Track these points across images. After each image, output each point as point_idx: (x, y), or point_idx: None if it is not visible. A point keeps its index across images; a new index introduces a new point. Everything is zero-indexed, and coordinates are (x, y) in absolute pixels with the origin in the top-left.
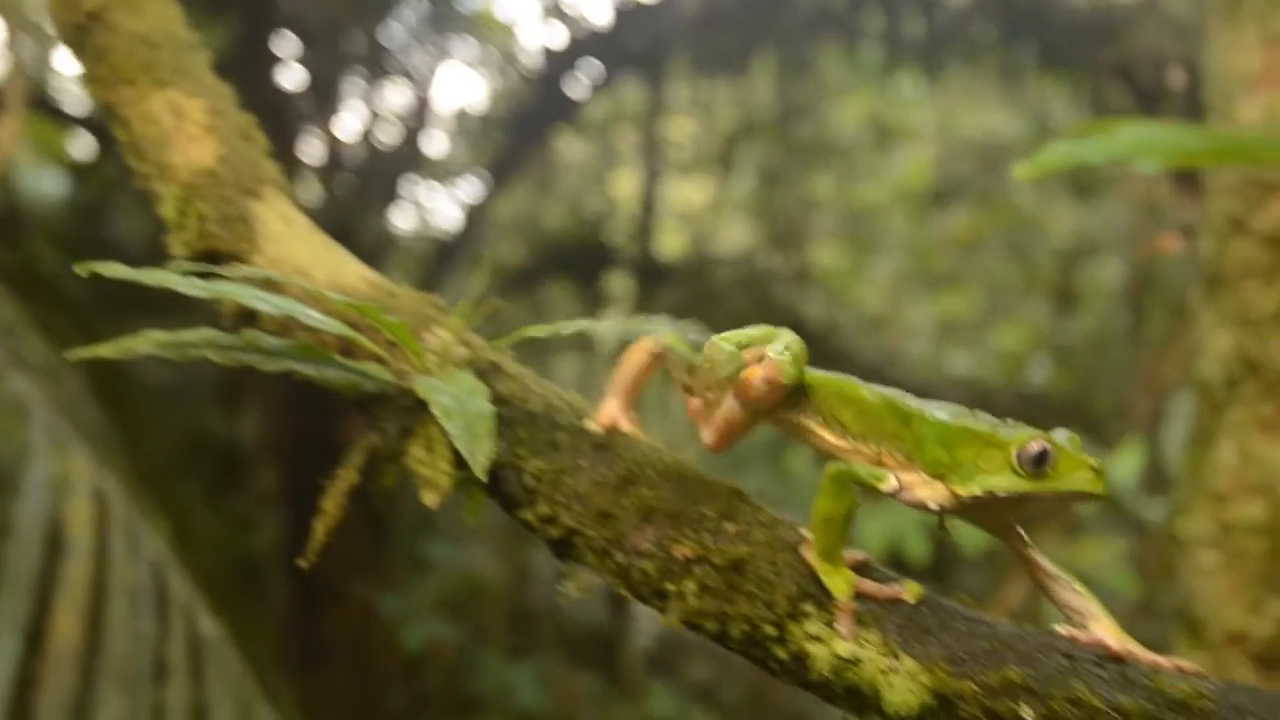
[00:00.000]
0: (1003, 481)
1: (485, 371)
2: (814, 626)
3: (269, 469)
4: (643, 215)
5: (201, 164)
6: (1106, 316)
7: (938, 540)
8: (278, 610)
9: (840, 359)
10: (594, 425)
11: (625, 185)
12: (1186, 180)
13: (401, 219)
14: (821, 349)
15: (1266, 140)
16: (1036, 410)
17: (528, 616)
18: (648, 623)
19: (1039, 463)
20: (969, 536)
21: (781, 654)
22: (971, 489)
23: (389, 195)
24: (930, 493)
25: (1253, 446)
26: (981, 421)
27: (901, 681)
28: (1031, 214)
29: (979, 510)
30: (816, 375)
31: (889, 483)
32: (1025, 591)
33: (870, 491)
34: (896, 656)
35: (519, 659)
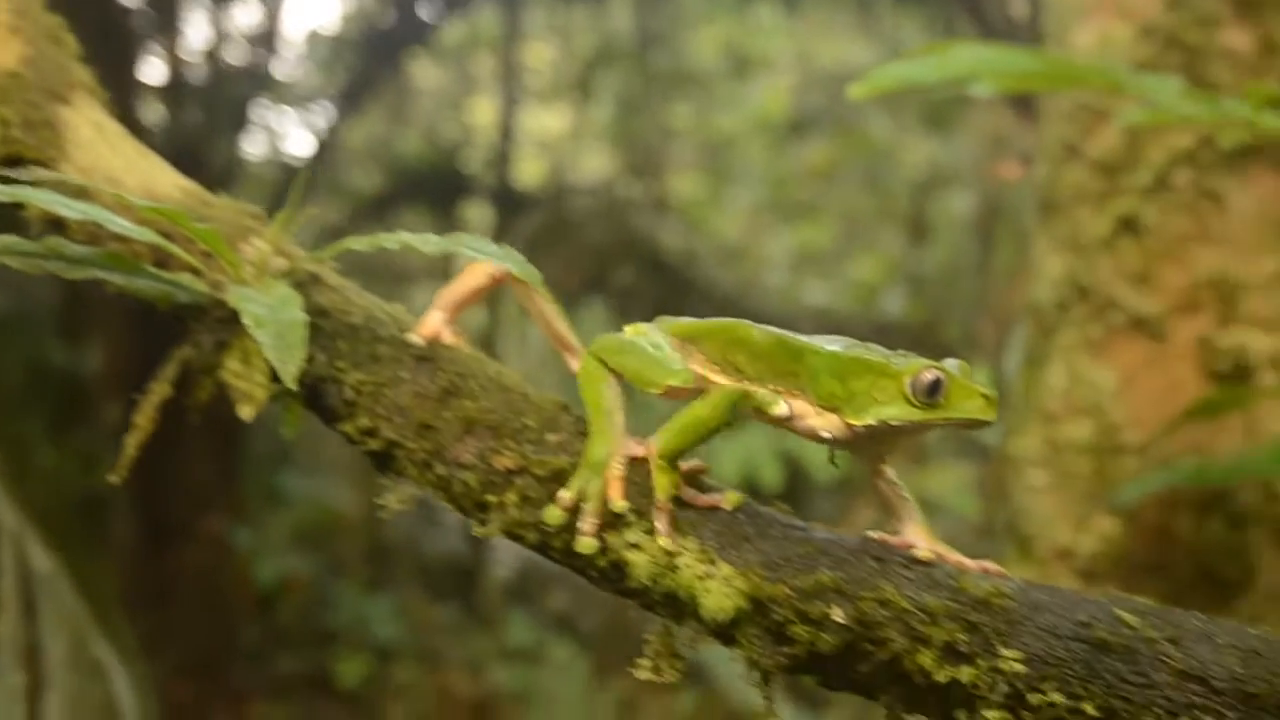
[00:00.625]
0: (896, 411)
1: (304, 283)
2: (633, 535)
3: (114, 402)
4: (500, 143)
5: (3, 66)
6: (958, 246)
7: (791, 467)
8: (123, 545)
9: (698, 288)
10: (415, 337)
11: (483, 112)
12: (1026, 108)
13: (251, 144)
14: (679, 278)
15: (1094, 65)
16: (890, 338)
17: (385, 549)
18: (507, 554)
19: (932, 392)
20: (821, 463)
21: (601, 562)
22: (865, 419)
23: (238, 119)
24: (823, 422)
25: (1082, 368)
26: (874, 353)
27: (717, 587)
28: (886, 145)
29: (871, 440)
30: (703, 324)
31: (780, 408)
32: (875, 515)
33: (761, 415)
34: (713, 563)
35: (376, 591)
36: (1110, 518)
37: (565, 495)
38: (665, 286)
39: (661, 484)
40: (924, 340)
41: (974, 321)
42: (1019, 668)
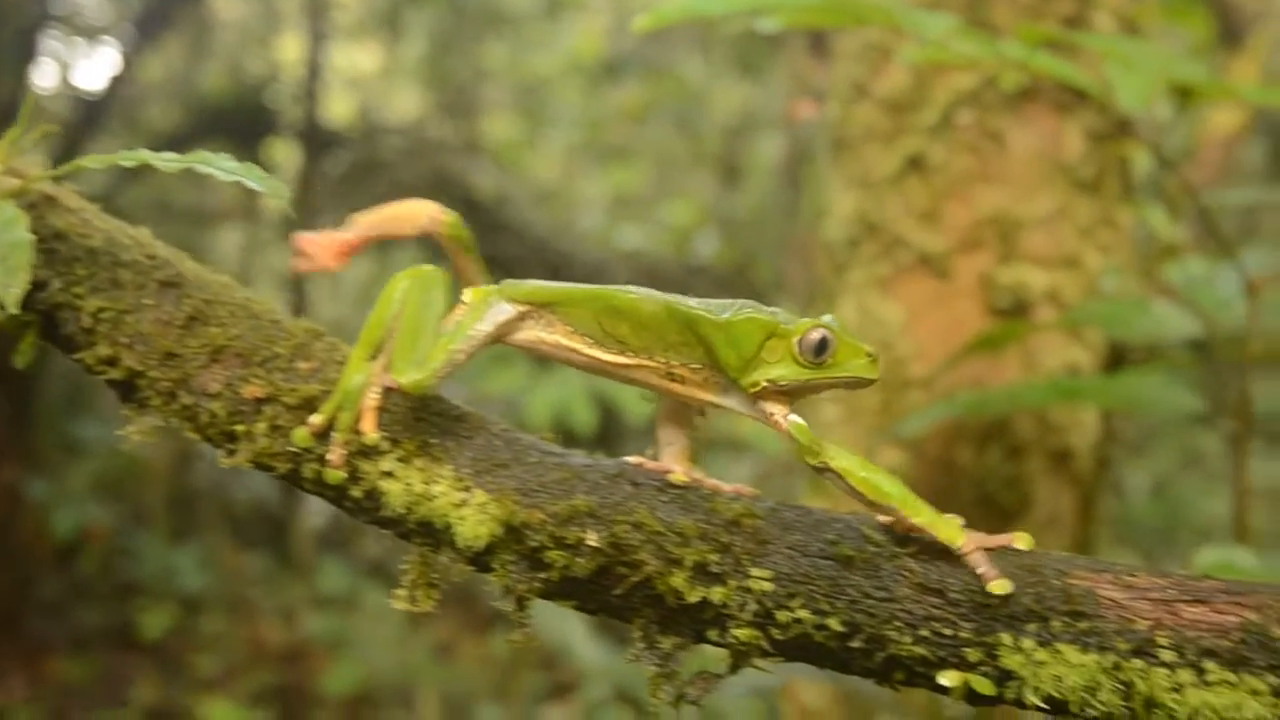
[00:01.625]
0: (784, 371)
1: (37, 204)
2: (388, 464)
3: None
4: (308, 80)
5: None
6: (768, 189)
7: (604, 409)
8: None
9: (512, 230)
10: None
11: (289, 48)
12: (821, 48)
13: (41, 77)
14: (493, 220)
15: (874, 2)
16: (702, 282)
17: (190, 497)
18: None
19: (820, 351)
20: (635, 405)
21: (355, 492)
22: (756, 380)
23: (26, 51)
24: (723, 394)
25: (871, 305)
26: (762, 312)
27: (472, 514)
28: (698, 88)
29: (761, 402)
30: (567, 290)
31: (804, 430)
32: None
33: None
34: (469, 490)
35: (181, 541)
36: (896, 449)
37: (315, 419)
38: (478, 228)
39: (344, 420)
40: (735, 283)
41: (783, 263)
42: (768, 586)
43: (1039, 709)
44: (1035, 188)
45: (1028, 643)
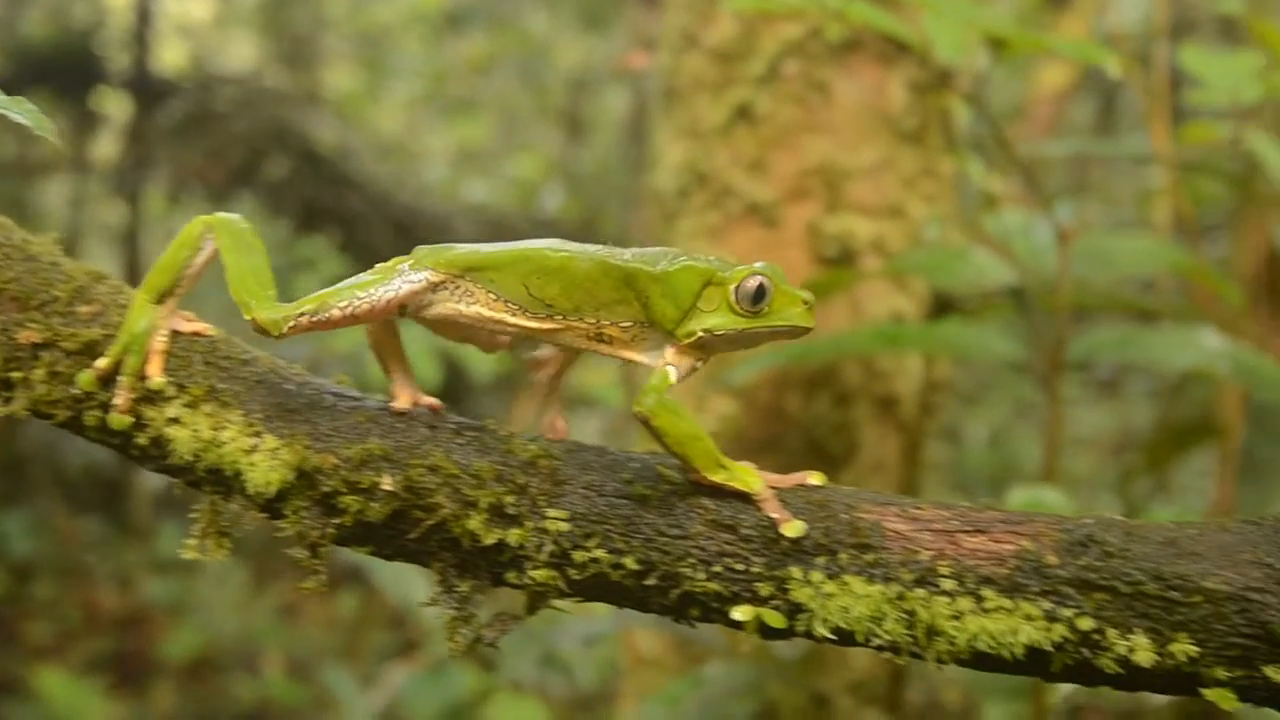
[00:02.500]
0: (721, 320)
1: None
2: (174, 409)
3: None
4: (137, 26)
5: None
6: (613, 143)
7: (449, 364)
8: None
9: (354, 183)
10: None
11: None
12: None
13: None
14: (334, 172)
15: None
16: (551, 234)
17: (19, 460)
18: None
19: (757, 299)
20: (479, 363)
21: (141, 440)
22: (692, 330)
23: None
24: (689, 361)
25: (701, 253)
26: (699, 260)
27: (263, 460)
28: (543, 41)
29: (698, 352)
30: (496, 253)
31: (671, 375)
32: (535, 414)
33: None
34: (259, 435)
35: (10, 506)
36: (727, 397)
37: (100, 363)
38: (319, 181)
39: (130, 364)
40: (581, 236)
41: (629, 216)
42: (564, 526)
43: (827, 640)
44: (860, 138)
45: (817, 576)
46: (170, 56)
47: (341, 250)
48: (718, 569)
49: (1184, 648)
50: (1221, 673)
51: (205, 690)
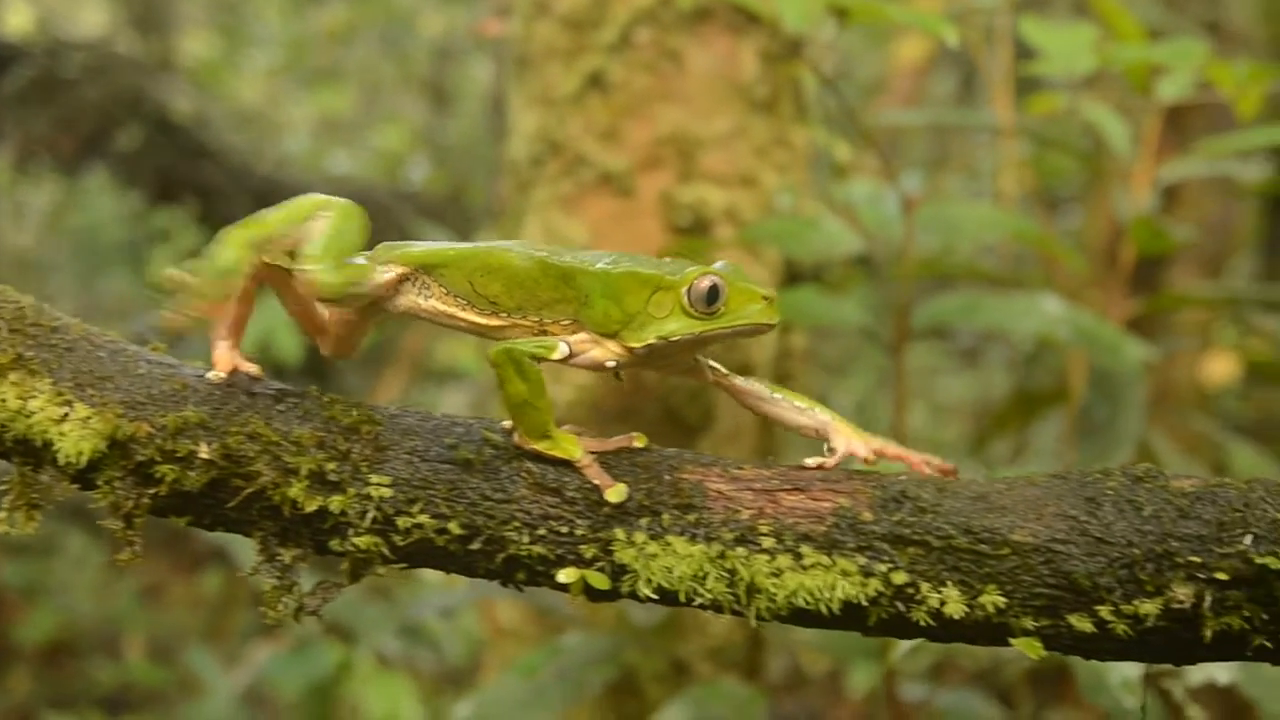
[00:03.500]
0: (676, 325)
1: None
2: None
3: None
4: None
5: None
6: (479, 114)
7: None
8: None
9: (211, 154)
10: (216, 375)
11: None
12: None
13: None
14: (190, 143)
15: None
16: (417, 207)
17: None
18: None
19: (711, 300)
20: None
21: None
22: (645, 339)
23: None
24: (604, 352)
25: (555, 224)
26: (646, 264)
27: (73, 429)
28: (405, 10)
29: (659, 358)
30: (447, 250)
31: (559, 350)
32: (402, 387)
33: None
34: (69, 404)
35: None
36: (584, 370)
37: None
38: (175, 151)
39: None
40: (448, 209)
41: (495, 188)
42: (387, 492)
43: (650, 600)
44: (713, 107)
45: (640, 537)
46: (15, 21)
47: (200, 222)
48: (542, 532)
49: (993, 599)
50: (1029, 622)
51: (63, 674)
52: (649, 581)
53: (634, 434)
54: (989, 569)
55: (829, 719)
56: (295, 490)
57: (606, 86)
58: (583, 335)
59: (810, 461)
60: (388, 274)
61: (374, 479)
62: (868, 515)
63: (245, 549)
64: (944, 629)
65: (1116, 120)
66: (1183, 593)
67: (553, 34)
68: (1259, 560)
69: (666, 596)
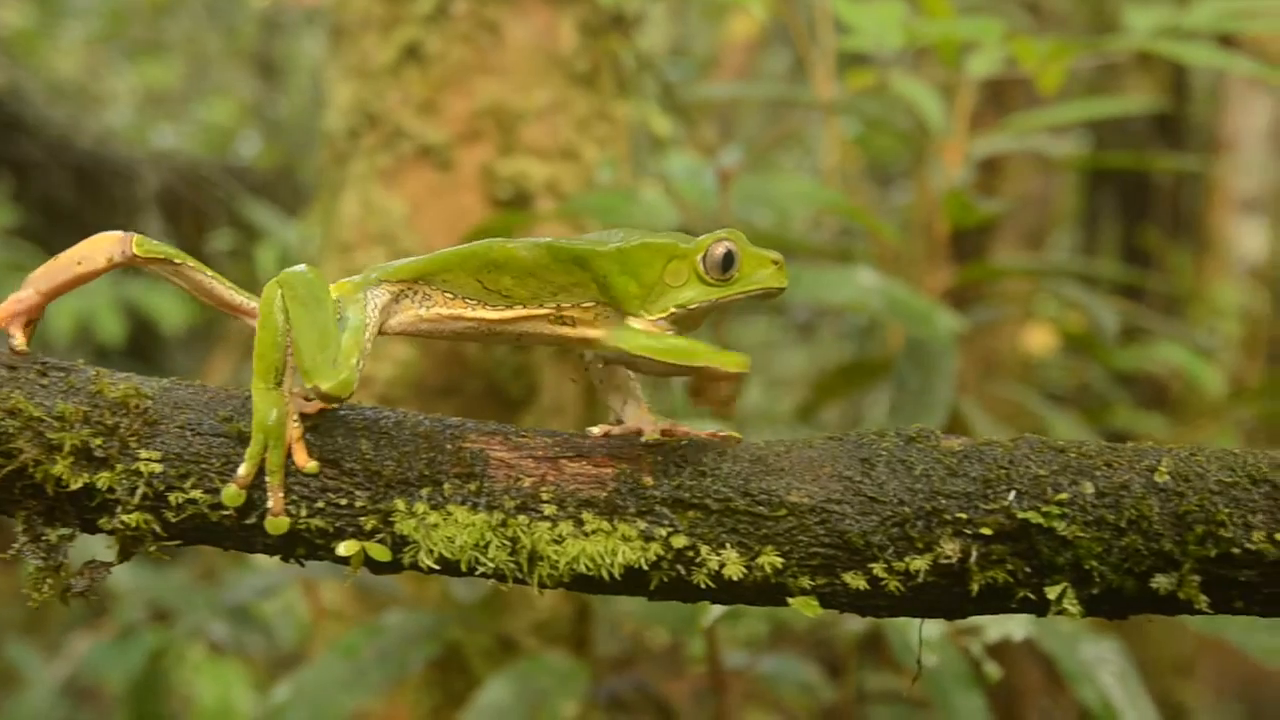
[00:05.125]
0: (693, 293)
1: None
2: None
3: None
4: None
5: None
6: (310, 87)
7: (136, 319)
8: None
9: (26, 127)
10: None
11: None
12: None
13: None
14: (3, 117)
15: None
16: (247, 183)
17: None
18: None
19: (726, 266)
20: (172, 314)
21: None
22: (666, 308)
23: None
24: (646, 330)
25: (374, 197)
26: (657, 236)
27: None
28: None
29: (674, 327)
30: (445, 256)
31: (595, 331)
32: (232, 368)
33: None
34: None
35: None
36: (404, 344)
37: (241, 471)
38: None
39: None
40: (279, 185)
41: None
42: (157, 467)
43: (433, 570)
44: (532, 80)
45: (421, 507)
46: None
47: (15, 200)
48: (321, 505)
49: (770, 559)
50: (806, 582)
51: None
52: (430, 552)
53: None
54: (766, 530)
55: (664, 691)
56: (59, 468)
57: (424, 58)
58: (605, 314)
59: (594, 430)
60: (381, 298)
61: (143, 454)
62: (649, 480)
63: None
64: (724, 591)
65: (930, 95)
66: (950, 548)
67: (368, 4)
68: (1021, 515)
69: (449, 567)
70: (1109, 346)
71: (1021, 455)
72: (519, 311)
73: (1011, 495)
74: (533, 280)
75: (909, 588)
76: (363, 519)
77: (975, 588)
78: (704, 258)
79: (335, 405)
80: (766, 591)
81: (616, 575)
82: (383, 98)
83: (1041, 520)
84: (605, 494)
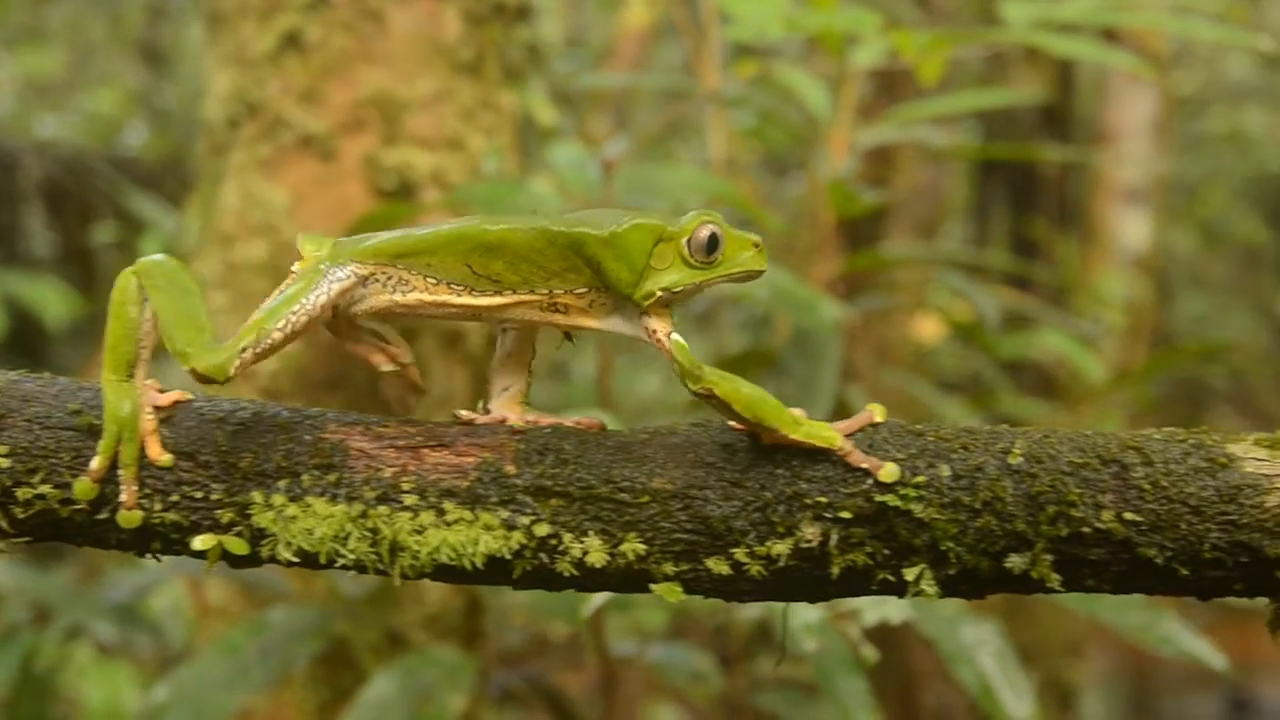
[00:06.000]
0: (678, 276)
1: None
2: None
3: None
4: None
5: None
6: (198, 76)
7: (17, 313)
8: None
9: None
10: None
11: None
12: None
13: None
14: None
15: None
16: (134, 173)
17: None
18: None
19: (711, 249)
20: (54, 307)
21: None
22: (651, 291)
23: None
24: (626, 314)
25: (255, 188)
26: (644, 216)
27: None
28: None
29: (646, 315)
30: (429, 236)
31: (599, 318)
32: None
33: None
34: None
35: None
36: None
37: (94, 464)
38: None
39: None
40: (166, 175)
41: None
42: (4, 462)
43: (292, 563)
44: (416, 69)
45: (279, 499)
46: None
47: None
48: (175, 498)
49: (633, 546)
50: (669, 568)
51: None
52: (289, 545)
53: (874, 406)
54: (630, 517)
55: (562, 683)
56: None
57: (304, 46)
58: (650, 320)
59: (461, 413)
60: (342, 280)
61: None
62: (511, 469)
63: None
64: (588, 578)
65: (815, 86)
66: (811, 532)
67: None
68: (879, 499)
69: (308, 559)
70: (992, 335)
71: (881, 439)
72: (509, 298)
73: (870, 480)
74: (525, 265)
75: (771, 572)
76: (219, 512)
77: (836, 571)
78: (689, 241)
79: (214, 384)
80: (630, 578)
81: (479, 565)
82: (262, 86)
83: (899, 503)
84: (467, 483)
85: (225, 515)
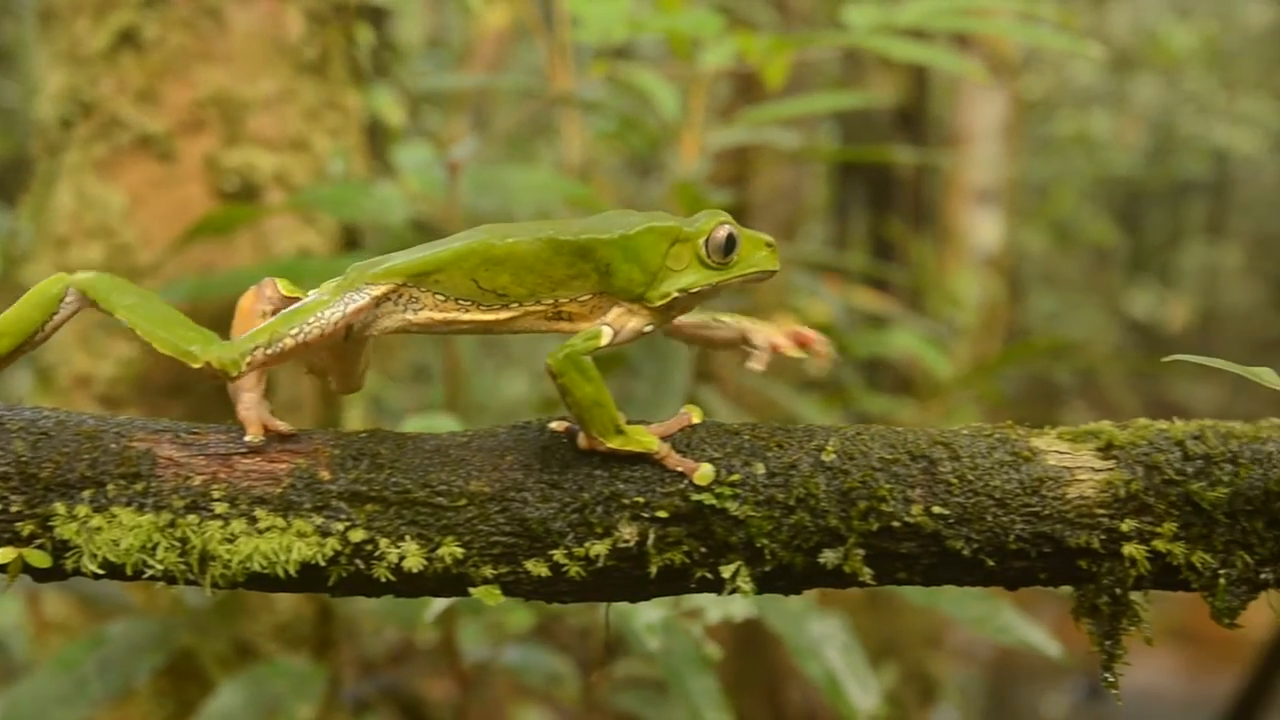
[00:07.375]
0: (695, 277)
1: None
2: None
3: None
4: None
5: None
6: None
7: None
8: None
9: None
10: (253, 439)
11: None
12: None
13: None
14: None
15: None
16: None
17: None
18: None
19: (728, 249)
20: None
21: None
22: (666, 292)
23: None
24: (638, 320)
25: (90, 189)
26: (656, 218)
27: None
28: None
29: (671, 314)
30: (438, 255)
31: (605, 336)
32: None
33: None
34: None
35: None
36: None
37: None
38: None
39: None
40: (9, 176)
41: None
42: None
43: (98, 576)
44: (258, 68)
45: (82, 510)
46: None
47: None
48: None
49: (451, 550)
50: (488, 571)
51: None
52: (94, 556)
53: (688, 407)
54: (447, 520)
55: (425, 690)
56: None
57: (141, 44)
58: (617, 309)
59: (281, 425)
60: (360, 300)
61: None
62: (325, 474)
63: None
64: (406, 584)
65: (664, 87)
66: (628, 532)
67: None
68: (695, 497)
69: (115, 571)
70: (844, 335)
71: (699, 439)
72: (515, 310)
73: (686, 479)
74: (531, 276)
75: (590, 573)
76: (19, 524)
77: (654, 570)
78: (706, 241)
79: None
80: (449, 582)
81: (293, 572)
82: (97, 85)
83: (715, 501)
84: (280, 490)
85: (26, 528)
